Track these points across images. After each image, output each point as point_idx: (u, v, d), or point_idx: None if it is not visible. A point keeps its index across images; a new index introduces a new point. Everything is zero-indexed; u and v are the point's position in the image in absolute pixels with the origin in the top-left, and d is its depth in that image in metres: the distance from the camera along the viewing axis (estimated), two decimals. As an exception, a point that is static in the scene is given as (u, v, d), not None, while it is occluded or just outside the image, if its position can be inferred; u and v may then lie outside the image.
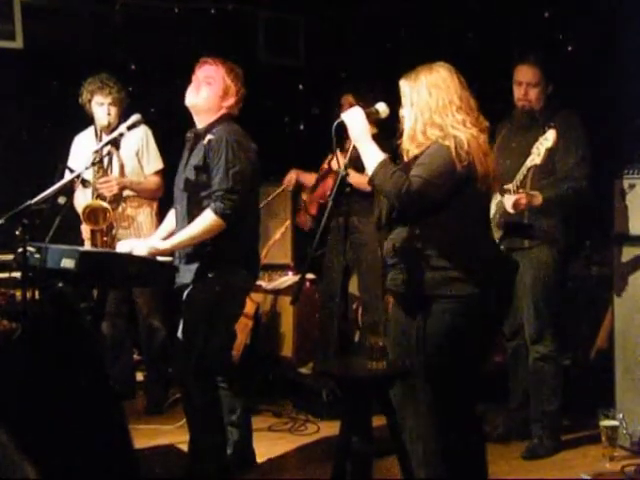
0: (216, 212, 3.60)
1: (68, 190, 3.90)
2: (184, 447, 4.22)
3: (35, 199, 3.51)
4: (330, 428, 4.51)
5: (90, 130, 4.97)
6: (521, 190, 4.00)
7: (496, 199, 4.22)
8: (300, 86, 6.50)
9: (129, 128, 3.87)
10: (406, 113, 3.21)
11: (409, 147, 3.19)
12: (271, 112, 6.18)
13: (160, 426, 4.78)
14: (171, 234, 3.83)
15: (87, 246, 4.68)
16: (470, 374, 3.22)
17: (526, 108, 4.30)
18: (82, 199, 4.83)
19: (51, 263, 3.48)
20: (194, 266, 3.71)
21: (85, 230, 4.76)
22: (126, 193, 4.87)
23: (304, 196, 5.49)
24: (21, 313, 3.78)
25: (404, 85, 3.21)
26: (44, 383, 1.84)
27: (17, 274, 3.77)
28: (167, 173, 4.75)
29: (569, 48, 5.33)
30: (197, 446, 3.78)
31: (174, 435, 4.59)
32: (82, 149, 4.87)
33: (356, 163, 3.24)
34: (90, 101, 4.86)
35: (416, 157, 3.14)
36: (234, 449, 3.99)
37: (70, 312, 1.98)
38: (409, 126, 3.18)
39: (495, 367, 5.19)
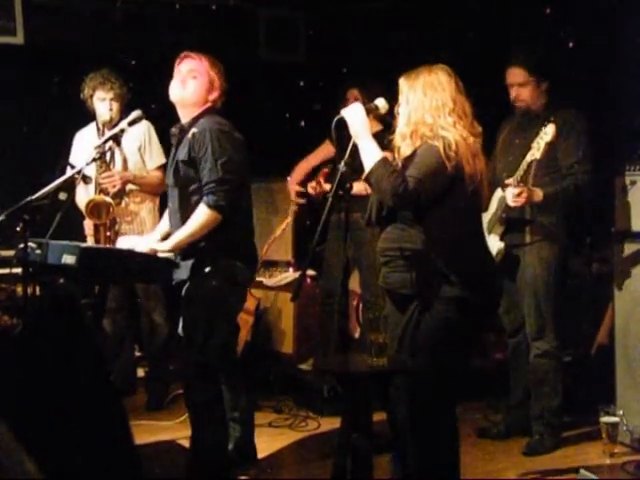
0: (210, 205, 3.58)
1: (69, 186, 3.90)
2: (185, 443, 4.23)
3: (36, 195, 3.51)
4: (330, 424, 4.52)
5: (91, 126, 4.97)
6: (522, 185, 4.00)
7: (498, 195, 4.23)
8: (301, 83, 6.50)
9: (130, 124, 3.87)
10: (400, 111, 3.26)
11: (400, 144, 3.25)
12: (272, 109, 6.18)
13: (161, 422, 4.78)
14: (168, 235, 3.81)
15: (90, 242, 4.68)
16: (448, 374, 3.23)
17: (523, 108, 4.32)
18: (83, 195, 4.83)
19: (52, 259, 3.48)
20: (190, 262, 3.70)
21: (88, 226, 4.77)
22: (129, 188, 4.88)
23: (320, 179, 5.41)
24: (22, 309, 3.78)
25: (402, 83, 3.27)
26: (45, 379, 1.84)
27: (18, 270, 3.77)
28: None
29: (570, 44, 5.34)
30: (199, 442, 3.78)
31: (175, 431, 4.60)
32: (84, 145, 4.87)
33: (353, 163, 3.24)
34: (92, 97, 4.86)
35: (409, 157, 3.18)
36: (235, 445, 3.99)
37: (71, 308, 1.98)
38: (401, 124, 3.24)
39: (496, 364, 5.21)
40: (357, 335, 5.27)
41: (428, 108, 3.16)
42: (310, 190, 5.27)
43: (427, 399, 3.18)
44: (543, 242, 4.26)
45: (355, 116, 3.19)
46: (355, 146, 3.21)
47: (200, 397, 3.76)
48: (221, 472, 3.78)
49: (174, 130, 3.85)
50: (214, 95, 3.79)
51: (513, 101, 4.33)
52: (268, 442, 4.39)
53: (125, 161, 4.86)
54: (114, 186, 4.74)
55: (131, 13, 5.75)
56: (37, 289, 3.56)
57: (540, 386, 4.31)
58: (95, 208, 4.67)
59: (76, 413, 1.81)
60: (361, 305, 5.30)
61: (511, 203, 4.03)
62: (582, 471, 3.08)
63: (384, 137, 3.45)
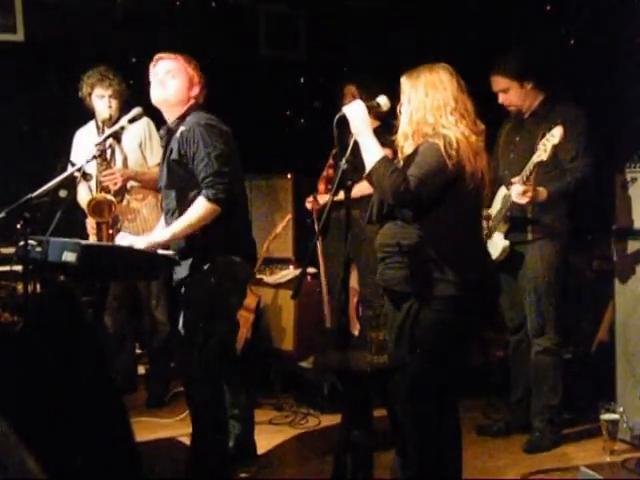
0: (209, 198, 3.57)
1: (69, 184, 3.89)
2: (185, 440, 4.24)
3: (36, 193, 3.50)
4: (331, 421, 4.53)
5: (91, 124, 4.96)
6: (528, 183, 4.01)
7: (502, 194, 4.24)
8: (301, 80, 6.50)
9: (130, 121, 3.86)
10: (402, 110, 3.26)
11: (402, 144, 3.26)
12: (272, 106, 6.17)
13: (161, 419, 4.79)
14: None
15: (92, 241, 4.67)
16: (446, 372, 3.22)
17: (515, 111, 4.36)
18: (85, 194, 4.82)
19: (52, 256, 3.47)
20: (189, 260, 3.70)
21: (90, 224, 4.76)
22: (130, 185, 4.87)
23: (321, 187, 5.42)
24: (22, 306, 3.78)
25: (404, 82, 3.27)
26: (45, 376, 1.84)
27: (18, 267, 3.77)
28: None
29: (571, 42, 5.34)
30: (199, 439, 3.78)
31: (175, 428, 4.61)
32: (84, 143, 4.87)
33: (354, 161, 3.23)
34: (90, 94, 4.84)
35: (410, 156, 3.18)
36: (235, 442, 4.00)
37: (71, 305, 1.98)
38: (404, 123, 3.24)
39: (496, 361, 5.21)
40: (357, 332, 5.27)
41: (429, 107, 3.16)
42: (307, 205, 5.30)
43: (425, 397, 3.18)
44: (545, 239, 4.26)
45: (356, 113, 3.18)
46: (356, 143, 3.21)
47: (201, 394, 3.76)
48: (221, 470, 3.78)
49: (162, 132, 3.86)
50: (195, 91, 3.78)
51: (503, 106, 4.37)
52: (268, 439, 4.40)
53: (125, 159, 4.86)
54: (115, 183, 4.73)
55: (131, 10, 5.74)
56: (38, 287, 3.56)
57: (541, 383, 4.32)
58: (97, 206, 4.66)
59: (76, 410, 1.81)
60: (361, 302, 5.31)
61: (516, 199, 4.04)
62: (582, 469, 3.08)
63: (381, 134, 3.45)
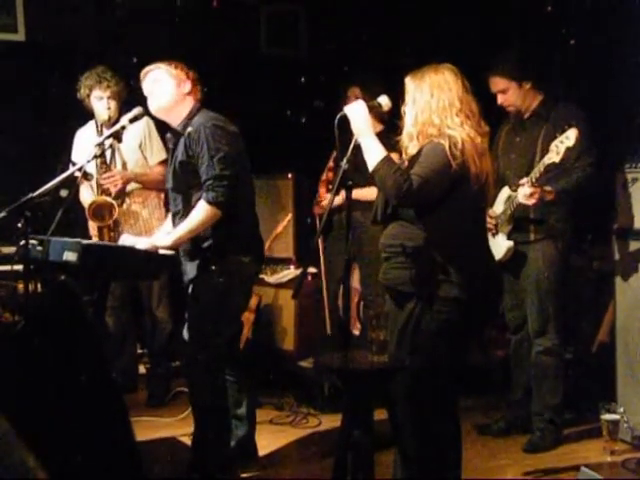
0: (210, 202, 3.58)
1: (70, 183, 3.89)
2: (185, 440, 4.24)
3: (37, 192, 3.50)
4: (331, 421, 4.53)
5: (91, 124, 4.95)
6: (536, 185, 4.00)
7: (505, 194, 4.23)
8: (302, 78, 6.49)
9: (131, 121, 3.86)
10: (407, 110, 3.24)
11: (407, 144, 3.23)
12: (273, 104, 6.17)
13: (161, 419, 4.79)
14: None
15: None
16: (447, 373, 3.22)
17: (514, 111, 4.35)
18: (88, 194, 4.82)
19: (53, 256, 3.47)
20: (197, 261, 3.71)
21: (92, 226, 4.76)
22: (130, 188, 4.86)
23: (322, 190, 5.42)
24: (23, 306, 3.78)
25: (409, 83, 3.24)
26: (46, 375, 1.84)
27: (19, 267, 3.77)
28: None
29: (572, 42, 5.34)
30: (201, 439, 3.79)
31: (175, 428, 4.61)
32: (84, 143, 4.86)
33: (355, 161, 3.23)
34: (89, 96, 4.83)
35: (414, 156, 3.16)
36: (237, 442, 4.00)
37: (72, 305, 1.98)
38: (408, 124, 3.22)
39: (496, 361, 5.21)
40: (357, 332, 5.27)
41: (435, 108, 3.14)
42: (316, 211, 5.30)
43: (426, 397, 3.18)
44: (547, 240, 4.26)
45: (358, 113, 3.17)
46: (357, 144, 3.21)
47: (204, 394, 3.77)
48: (222, 470, 3.79)
49: (169, 136, 3.86)
50: (186, 87, 3.78)
51: (502, 107, 4.36)
52: (269, 439, 4.40)
53: (124, 162, 4.86)
54: (115, 186, 4.73)
55: (132, 9, 5.74)
56: (38, 286, 3.56)
57: (541, 383, 4.32)
58: (97, 210, 4.66)
59: (77, 410, 1.82)
60: (362, 302, 5.30)
61: (523, 201, 4.02)
62: (583, 469, 3.08)
63: (387, 137, 3.44)
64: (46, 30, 5.59)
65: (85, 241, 3.68)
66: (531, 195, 3.99)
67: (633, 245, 4.31)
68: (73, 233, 4.09)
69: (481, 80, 4.09)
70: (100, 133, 4.75)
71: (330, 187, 5.19)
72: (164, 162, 4.93)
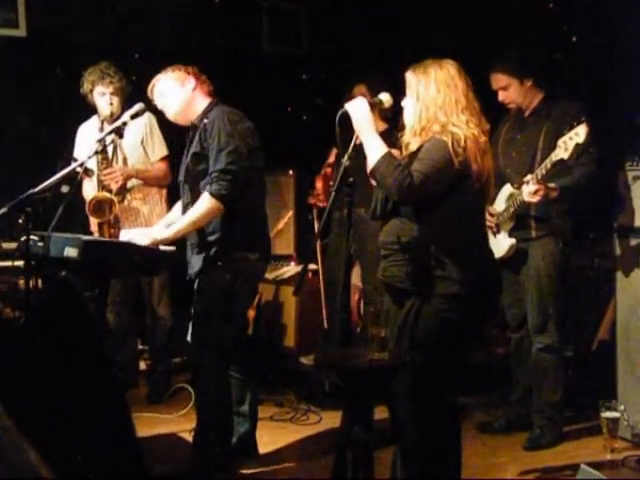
0: (212, 194, 3.59)
1: (73, 179, 3.89)
2: (186, 436, 4.24)
3: (38, 188, 3.51)
4: (332, 418, 4.52)
5: (94, 119, 4.96)
6: (541, 182, 3.98)
7: (507, 192, 4.22)
8: (304, 76, 6.49)
9: (133, 117, 3.87)
10: (409, 105, 3.21)
11: (409, 140, 3.20)
12: (275, 101, 6.17)
13: (162, 415, 4.79)
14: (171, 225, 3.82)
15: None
16: (447, 370, 3.22)
17: (515, 108, 4.35)
18: (91, 191, 4.82)
19: (54, 252, 3.48)
20: (203, 255, 3.71)
21: (93, 222, 4.77)
22: (131, 184, 4.87)
23: (318, 184, 5.42)
24: (24, 302, 3.78)
25: (411, 77, 3.20)
26: (47, 371, 1.84)
27: (20, 263, 3.78)
28: (173, 160, 4.74)
29: (573, 39, 5.34)
30: (203, 434, 3.79)
31: (176, 424, 4.61)
32: (86, 139, 4.86)
33: (357, 157, 3.22)
34: (92, 91, 4.84)
35: (415, 152, 3.15)
36: (238, 439, 4.00)
37: (73, 301, 1.98)
38: (413, 120, 3.18)
39: (497, 359, 5.21)
40: (358, 329, 5.27)
41: (441, 105, 3.10)
42: (310, 201, 5.31)
43: (426, 394, 3.18)
44: (548, 237, 4.26)
45: (359, 111, 3.15)
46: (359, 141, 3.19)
47: (208, 391, 3.77)
48: (223, 466, 3.79)
49: (190, 132, 3.87)
50: (190, 84, 3.79)
51: (503, 104, 4.36)
52: (269, 436, 4.40)
53: (126, 158, 4.86)
54: (116, 182, 4.74)
55: (134, 5, 5.74)
56: (39, 282, 3.56)
57: (541, 381, 4.32)
58: (98, 205, 4.66)
59: (78, 406, 1.82)
60: (362, 299, 5.31)
61: (528, 200, 4.01)
62: (583, 466, 3.08)
63: (392, 135, 3.43)
64: (48, 26, 5.59)
65: (86, 237, 3.69)
66: (536, 192, 3.97)
67: (634, 243, 4.31)
68: (74, 229, 4.09)
69: (481, 78, 4.09)
70: (102, 129, 4.75)
71: (329, 183, 5.20)
72: (165, 158, 4.94)
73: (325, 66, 6.30)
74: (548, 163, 3.92)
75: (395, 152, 3.20)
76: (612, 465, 3.97)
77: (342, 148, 3.14)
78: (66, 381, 1.84)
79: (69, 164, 4.20)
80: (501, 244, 4.23)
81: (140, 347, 5.63)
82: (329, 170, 5.29)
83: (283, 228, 5.63)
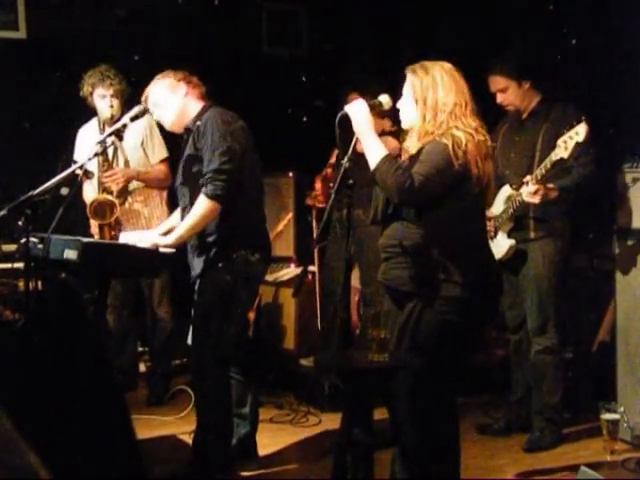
0: (208, 195, 3.59)
1: (73, 181, 3.90)
2: (186, 438, 4.24)
3: (37, 190, 3.51)
4: (331, 420, 4.52)
5: (94, 122, 4.96)
6: (540, 182, 3.98)
7: (506, 193, 4.23)
8: (303, 77, 6.49)
9: (133, 119, 3.87)
10: (409, 107, 3.20)
11: (409, 142, 3.20)
12: (274, 103, 6.17)
13: (161, 417, 4.79)
14: (171, 229, 3.82)
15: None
16: (448, 373, 3.22)
17: (513, 111, 4.36)
18: (91, 193, 4.82)
19: (54, 254, 3.48)
20: (204, 257, 3.72)
21: (93, 225, 4.77)
22: (132, 187, 4.87)
23: (317, 185, 5.42)
24: (24, 304, 3.78)
25: (412, 78, 3.18)
26: (47, 373, 1.84)
27: (20, 265, 3.77)
28: (174, 162, 4.73)
29: (573, 41, 5.35)
30: (203, 436, 3.79)
31: (175, 426, 4.62)
32: (86, 141, 4.86)
33: (358, 158, 3.22)
34: (92, 94, 4.84)
35: (415, 154, 3.14)
36: (238, 441, 4.00)
37: (73, 303, 1.98)
38: (413, 121, 3.18)
39: (496, 360, 5.21)
40: (357, 331, 5.27)
41: (443, 107, 3.09)
42: (308, 202, 5.31)
43: (426, 396, 3.18)
44: (547, 238, 4.26)
45: (358, 112, 3.15)
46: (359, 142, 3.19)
47: (208, 393, 3.77)
48: (222, 468, 3.79)
49: (184, 134, 3.87)
50: (181, 89, 3.80)
51: (501, 106, 4.37)
52: (269, 438, 4.40)
53: (126, 161, 4.86)
54: (117, 184, 4.74)
55: (133, 7, 5.74)
56: (39, 284, 3.56)
57: (541, 382, 4.32)
58: (99, 208, 4.66)
59: (77, 408, 1.82)
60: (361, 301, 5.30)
61: (528, 200, 4.01)
62: (583, 468, 3.08)
63: (400, 136, 3.42)
64: (47, 28, 5.59)
65: (86, 239, 3.69)
66: (535, 192, 3.97)
67: (633, 244, 4.30)
68: (74, 231, 4.09)
69: (480, 80, 4.09)
70: (102, 131, 4.75)
71: (328, 184, 5.20)
72: (166, 160, 4.95)
73: (325, 68, 6.30)
74: (548, 163, 3.93)
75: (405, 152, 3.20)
76: (612, 467, 3.97)
77: (342, 150, 3.14)
78: (66, 383, 1.85)
79: (69, 166, 4.21)
80: (500, 245, 4.23)
81: (140, 349, 5.64)
82: (329, 171, 5.29)
83: (283, 230, 5.63)
